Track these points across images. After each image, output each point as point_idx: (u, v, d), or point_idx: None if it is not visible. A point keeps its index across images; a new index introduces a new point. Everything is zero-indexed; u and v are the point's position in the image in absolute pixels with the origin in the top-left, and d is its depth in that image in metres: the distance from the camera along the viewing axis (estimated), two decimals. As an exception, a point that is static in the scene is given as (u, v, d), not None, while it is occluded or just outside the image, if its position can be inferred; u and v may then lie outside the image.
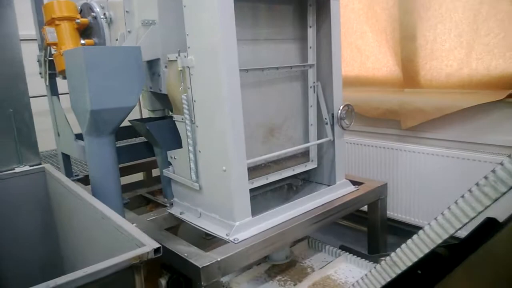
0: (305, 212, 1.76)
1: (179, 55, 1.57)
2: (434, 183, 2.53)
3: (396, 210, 2.75)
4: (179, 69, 1.58)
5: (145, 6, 1.77)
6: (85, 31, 2.18)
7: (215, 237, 1.60)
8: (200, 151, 1.65)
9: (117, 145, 2.08)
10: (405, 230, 2.80)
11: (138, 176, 2.89)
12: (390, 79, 2.81)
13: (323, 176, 2.06)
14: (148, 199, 2.25)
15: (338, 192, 1.96)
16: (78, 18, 2.09)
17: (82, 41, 2.10)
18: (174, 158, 1.82)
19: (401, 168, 2.69)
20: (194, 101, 1.61)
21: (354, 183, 2.09)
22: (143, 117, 3.21)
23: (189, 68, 1.58)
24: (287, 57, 1.86)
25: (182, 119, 1.64)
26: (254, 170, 1.77)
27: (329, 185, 2.02)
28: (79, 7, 2.18)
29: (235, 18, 1.44)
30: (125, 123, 1.76)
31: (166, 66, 1.76)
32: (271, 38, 1.78)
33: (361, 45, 2.98)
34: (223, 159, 1.53)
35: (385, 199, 2.09)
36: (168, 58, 1.70)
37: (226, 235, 1.53)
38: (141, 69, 1.65)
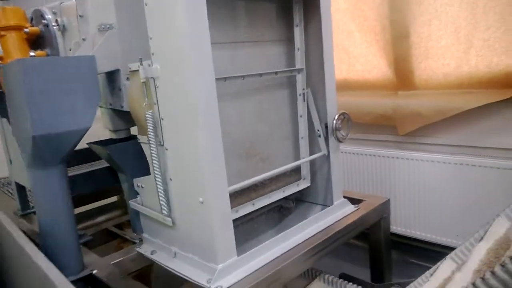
0: (302, 242, 1.50)
1: (141, 64, 1.29)
2: (437, 193, 2.30)
3: (396, 223, 2.52)
4: (142, 80, 1.30)
5: (101, 8, 1.48)
6: (36, 42, 1.88)
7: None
8: (171, 179, 1.37)
9: (73, 173, 1.81)
10: (407, 245, 2.57)
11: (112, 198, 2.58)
12: (382, 81, 2.59)
13: (317, 195, 1.80)
14: (116, 233, 1.94)
15: (337, 214, 1.70)
16: (26, 27, 1.79)
17: (32, 53, 1.80)
18: (142, 186, 1.53)
19: (400, 177, 2.46)
20: (162, 119, 1.33)
21: (353, 200, 1.84)
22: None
23: (154, 79, 1.30)
24: (271, 61, 1.60)
25: (148, 140, 1.36)
26: (237, 196, 1.50)
27: (325, 205, 1.76)
28: (30, 15, 1.88)
29: (208, 18, 1.18)
30: (83, 145, 1.47)
31: (128, 78, 1.47)
32: (252, 41, 1.52)
33: (348, 46, 2.75)
34: (199, 188, 1.26)
35: (388, 217, 1.84)
36: (130, 68, 1.42)
37: (207, 281, 1.25)
38: (96, 83, 1.36)
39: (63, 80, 1.28)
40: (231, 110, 1.46)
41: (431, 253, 2.46)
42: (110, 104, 1.59)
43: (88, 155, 1.92)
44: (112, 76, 1.54)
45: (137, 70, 1.32)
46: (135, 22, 1.43)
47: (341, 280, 1.64)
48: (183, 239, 1.41)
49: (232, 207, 1.46)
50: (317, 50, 1.61)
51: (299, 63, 1.64)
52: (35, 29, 1.79)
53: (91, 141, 1.65)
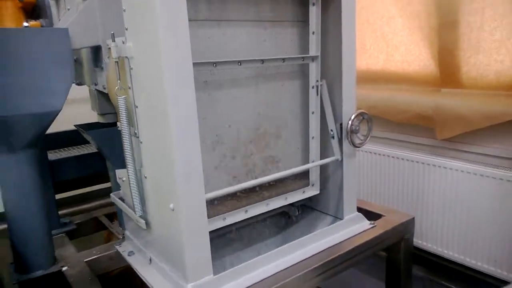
0: (299, 262, 1.27)
1: (113, 41, 1.09)
2: (476, 210, 1.98)
3: (423, 238, 2.22)
4: (114, 60, 1.11)
5: (86, -27, 1.30)
6: (33, 12, 1.75)
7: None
8: (145, 177, 1.18)
9: (58, 157, 1.67)
10: (434, 262, 2.26)
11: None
12: (424, 75, 2.25)
13: (328, 204, 1.55)
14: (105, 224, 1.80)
15: (348, 230, 1.44)
16: (21, -5, 1.65)
17: (26, 24, 1.66)
18: (122, 180, 1.36)
19: (434, 187, 2.14)
20: (136, 106, 1.13)
21: (370, 214, 1.58)
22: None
23: (128, 59, 1.10)
24: (279, 46, 1.35)
25: (120, 130, 1.17)
26: (227, 200, 1.29)
27: (336, 217, 1.51)
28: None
29: None
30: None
31: (109, 57, 1.29)
32: (256, 20, 1.28)
33: (388, 33, 2.42)
34: (170, 192, 1.06)
35: (410, 238, 1.56)
36: (108, 45, 1.22)
37: (173, 303, 1.06)
38: (69, 61, 1.19)
39: (29, 56, 1.12)
40: (224, 101, 1.24)
41: (462, 276, 2.14)
42: (95, 85, 1.42)
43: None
44: (96, 53, 1.36)
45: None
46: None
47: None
48: (158, 246, 1.23)
49: (218, 214, 1.25)
50: (336, 35, 1.34)
51: (314, 49, 1.38)
52: (30, -3, 1.64)
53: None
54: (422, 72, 2.26)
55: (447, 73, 2.10)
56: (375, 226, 1.49)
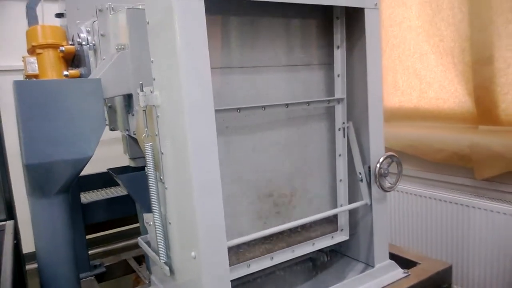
0: (325, 314, 1.21)
1: (141, 90, 1.13)
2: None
3: (465, 285, 2.07)
4: (142, 109, 1.15)
5: (119, 26, 1.37)
6: (74, 61, 1.86)
7: None
8: (170, 223, 1.18)
9: (92, 199, 1.72)
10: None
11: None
12: (459, 113, 2.17)
13: (358, 250, 1.48)
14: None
15: (379, 279, 1.37)
16: (63, 46, 1.76)
17: (66, 72, 1.77)
18: (149, 224, 1.37)
19: (475, 231, 2.01)
20: (162, 153, 1.15)
21: (404, 262, 1.49)
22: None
23: (155, 107, 1.13)
24: (304, 89, 1.35)
25: (147, 175, 1.19)
26: (252, 247, 1.26)
27: (367, 264, 1.44)
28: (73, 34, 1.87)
29: (224, 38, 1.01)
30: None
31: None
32: (282, 65, 1.29)
33: (420, 70, 2.38)
34: (191, 240, 1.05)
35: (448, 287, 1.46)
36: (138, 94, 1.27)
37: None
38: (100, 109, 1.24)
39: (62, 105, 1.17)
40: (249, 145, 1.24)
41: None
42: (127, 130, 1.47)
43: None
44: (129, 100, 1.42)
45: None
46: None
47: None
48: (181, 293, 1.21)
49: (242, 261, 1.23)
50: (362, 77, 1.33)
51: (340, 91, 1.37)
52: (70, 47, 1.76)
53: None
54: (457, 109, 2.19)
55: (484, 110, 2.02)
56: (409, 275, 1.40)
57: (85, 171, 1.62)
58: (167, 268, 1.21)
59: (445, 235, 2.14)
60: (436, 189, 2.25)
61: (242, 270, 1.22)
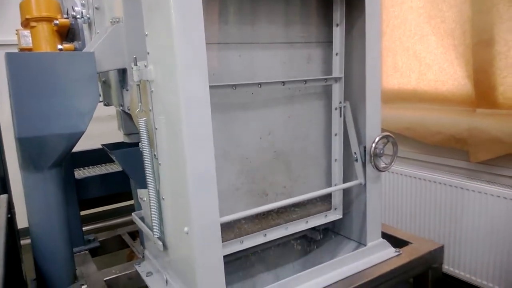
0: (317, 290, 1.23)
1: (135, 64, 1.11)
2: (511, 236, 1.85)
3: (456, 266, 2.10)
4: (136, 83, 1.13)
5: (114, 0, 1.34)
6: (68, 34, 1.83)
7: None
8: (163, 198, 1.18)
9: (86, 175, 1.72)
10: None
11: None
12: (458, 95, 2.16)
13: (351, 229, 1.50)
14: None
15: (371, 258, 1.38)
16: (57, 19, 1.73)
17: (60, 46, 1.74)
18: (143, 200, 1.37)
19: (468, 213, 2.03)
20: (156, 128, 1.14)
21: (396, 241, 1.51)
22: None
23: (149, 82, 1.12)
24: (301, 67, 1.34)
25: (141, 151, 1.19)
26: (246, 224, 1.27)
27: (359, 243, 1.46)
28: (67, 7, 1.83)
29: (221, 12, 1.01)
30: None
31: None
32: (279, 42, 1.27)
33: (420, 51, 2.35)
34: (185, 215, 1.05)
35: (439, 267, 1.48)
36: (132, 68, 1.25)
37: (185, 329, 1.05)
38: (94, 84, 1.22)
39: (55, 79, 1.16)
40: (244, 122, 1.23)
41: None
42: (121, 106, 1.45)
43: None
44: (123, 75, 1.40)
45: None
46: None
47: None
48: (174, 268, 1.22)
49: (235, 237, 1.24)
50: (361, 56, 1.32)
51: (337, 70, 1.35)
52: (65, 21, 1.72)
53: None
54: (456, 91, 2.17)
55: (483, 93, 2.00)
56: (400, 254, 1.42)
57: (80, 148, 1.62)
58: (160, 243, 1.21)
59: (438, 217, 2.15)
60: (430, 171, 2.25)
61: (235, 246, 1.23)
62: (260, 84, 1.20)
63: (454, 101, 2.19)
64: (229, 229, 1.22)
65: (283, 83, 1.25)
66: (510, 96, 1.87)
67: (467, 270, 2.06)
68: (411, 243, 1.50)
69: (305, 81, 1.30)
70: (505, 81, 1.88)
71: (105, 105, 1.59)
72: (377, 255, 1.39)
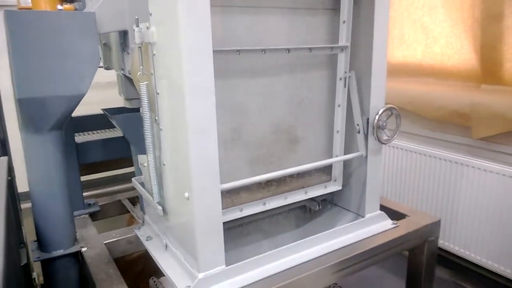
0: (313, 259, 1.24)
1: (137, 26, 1.08)
2: (508, 213, 1.87)
3: (451, 240, 2.13)
4: (138, 46, 1.10)
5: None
6: (68, -6, 1.78)
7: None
8: (164, 164, 1.18)
9: (86, 140, 1.71)
10: (461, 266, 2.18)
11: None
12: (464, 70, 2.13)
13: (350, 201, 1.50)
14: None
15: (368, 229, 1.40)
16: (56, -23, 1.68)
17: (60, 7, 1.69)
18: (143, 165, 1.37)
19: (465, 188, 2.04)
20: (158, 93, 1.12)
21: (394, 214, 1.52)
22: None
23: (151, 44, 1.09)
24: (306, 34, 1.30)
25: (142, 115, 1.17)
26: (245, 192, 1.27)
27: (358, 214, 1.47)
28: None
29: None
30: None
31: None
32: (282, 6, 1.24)
33: (428, 24, 2.31)
34: (185, 181, 1.05)
35: (435, 241, 1.49)
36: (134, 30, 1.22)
37: (185, 290, 1.07)
38: (95, 45, 1.20)
39: (55, 39, 1.13)
40: (247, 90, 1.21)
41: (490, 282, 2.05)
42: (122, 69, 1.43)
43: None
44: (124, 37, 1.37)
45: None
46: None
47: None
48: (174, 233, 1.23)
49: (235, 204, 1.25)
50: (368, 25, 1.28)
51: (344, 39, 1.32)
52: (64, -20, 1.67)
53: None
54: (462, 66, 2.14)
55: (489, 68, 1.98)
56: (397, 226, 1.43)
57: (80, 113, 1.60)
58: (160, 208, 1.22)
59: (436, 192, 2.17)
60: (431, 146, 2.25)
61: (235, 214, 1.23)
62: (264, 50, 1.17)
63: (459, 76, 2.16)
64: (229, 197, 1.23)
65: (288, 50, 1.22)
66: (516, 72, 1.84)
67: (462, 245, 2.10)
68: (408, 216, 1.52)
69: (310, 49, 1.27)
70: (511, 58, 1.85)
71: (106, 68, 1.56)
72: (374, 226, 1.41)
